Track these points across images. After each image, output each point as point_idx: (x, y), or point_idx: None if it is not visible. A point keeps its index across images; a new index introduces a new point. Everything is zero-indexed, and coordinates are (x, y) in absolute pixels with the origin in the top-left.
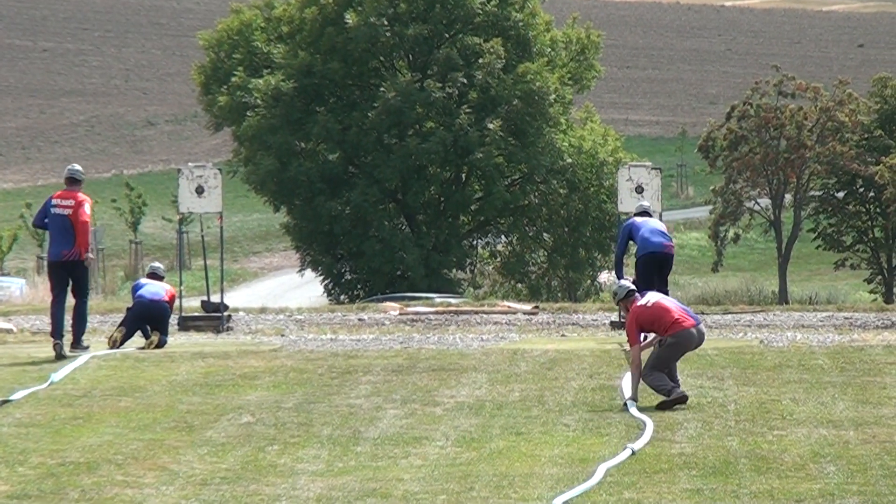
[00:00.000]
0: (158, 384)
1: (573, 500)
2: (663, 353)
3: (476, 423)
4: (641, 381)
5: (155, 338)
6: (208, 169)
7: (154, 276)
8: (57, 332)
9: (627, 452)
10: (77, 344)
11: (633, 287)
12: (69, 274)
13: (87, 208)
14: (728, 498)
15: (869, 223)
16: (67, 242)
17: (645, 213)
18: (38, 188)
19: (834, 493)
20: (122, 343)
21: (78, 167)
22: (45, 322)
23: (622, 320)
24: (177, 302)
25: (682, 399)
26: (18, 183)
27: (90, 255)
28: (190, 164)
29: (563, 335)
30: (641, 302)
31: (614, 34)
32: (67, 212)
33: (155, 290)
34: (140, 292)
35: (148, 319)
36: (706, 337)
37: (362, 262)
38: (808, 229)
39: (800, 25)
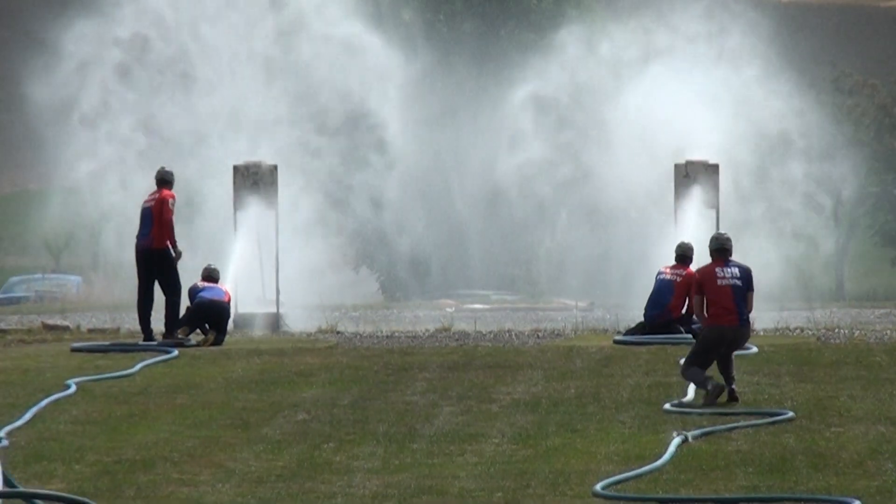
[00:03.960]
0: (214, 381)
1: (625, 485)
2: (698, 346)
3: (532, 419)
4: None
5: (212, 336)
6: (264, 165)
7: (209, 278)
8: (144, 334)
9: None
10: (169, 334)
11: (727, 254)
12: (149, 264)
13: (169, 204)
14: (785, 495)
15: None
16: (144, 233)
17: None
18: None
19: (892, 490)
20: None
21: (167, 168)
22: (100, 319)
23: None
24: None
25: (720, 390)
26: (76, 180)
27: (178, 248)
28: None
29: (618, 332)
30: (720, 272)
31: None
32: (151, 204)
33: (214, 290)
34: (201, 293)
35: (207, 319)
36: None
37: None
38: (865, 225)
39: (857, 22)
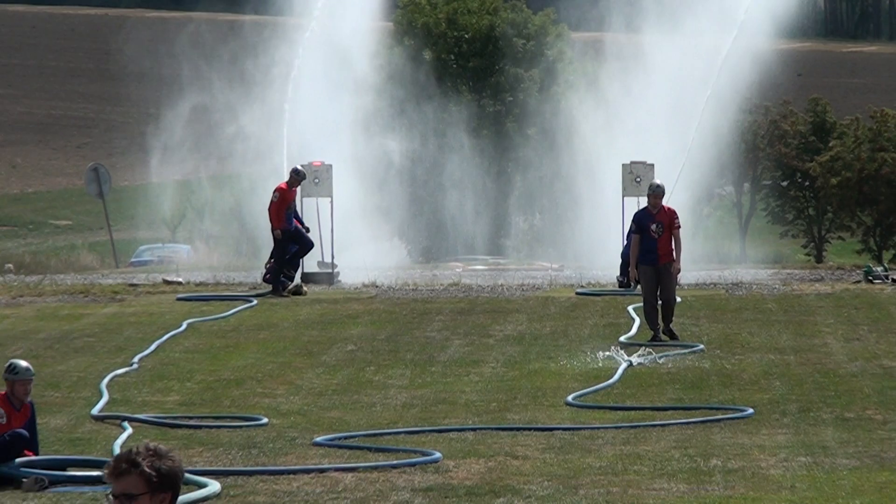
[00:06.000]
0: (287, 322)
1: (587, 396)
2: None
3: (518, 350)
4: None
5: (291, 284)
6: (321, 165)
7: (295, 172)
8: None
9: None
10: (268, 276)
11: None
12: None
13: (273, 196)
14: (702, 405)
15: (805, 204)
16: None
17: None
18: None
19: (779, 401)
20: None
21: (298, 167)
22: (203, 276)
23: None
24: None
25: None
26: (186, 175)
27: (277, 231)
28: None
29: (581, 286)
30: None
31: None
32: (274, 198)
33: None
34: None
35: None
36: (683, 286)
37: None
38: (761, 209)
39: (757, 61)
